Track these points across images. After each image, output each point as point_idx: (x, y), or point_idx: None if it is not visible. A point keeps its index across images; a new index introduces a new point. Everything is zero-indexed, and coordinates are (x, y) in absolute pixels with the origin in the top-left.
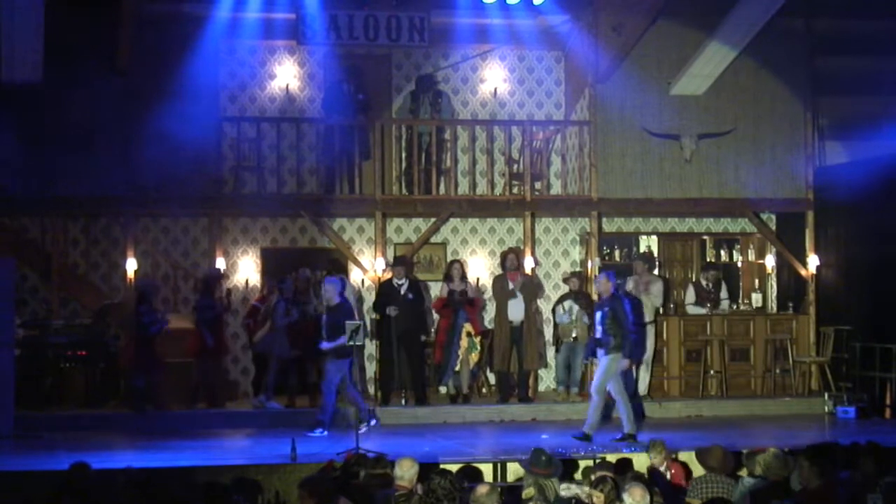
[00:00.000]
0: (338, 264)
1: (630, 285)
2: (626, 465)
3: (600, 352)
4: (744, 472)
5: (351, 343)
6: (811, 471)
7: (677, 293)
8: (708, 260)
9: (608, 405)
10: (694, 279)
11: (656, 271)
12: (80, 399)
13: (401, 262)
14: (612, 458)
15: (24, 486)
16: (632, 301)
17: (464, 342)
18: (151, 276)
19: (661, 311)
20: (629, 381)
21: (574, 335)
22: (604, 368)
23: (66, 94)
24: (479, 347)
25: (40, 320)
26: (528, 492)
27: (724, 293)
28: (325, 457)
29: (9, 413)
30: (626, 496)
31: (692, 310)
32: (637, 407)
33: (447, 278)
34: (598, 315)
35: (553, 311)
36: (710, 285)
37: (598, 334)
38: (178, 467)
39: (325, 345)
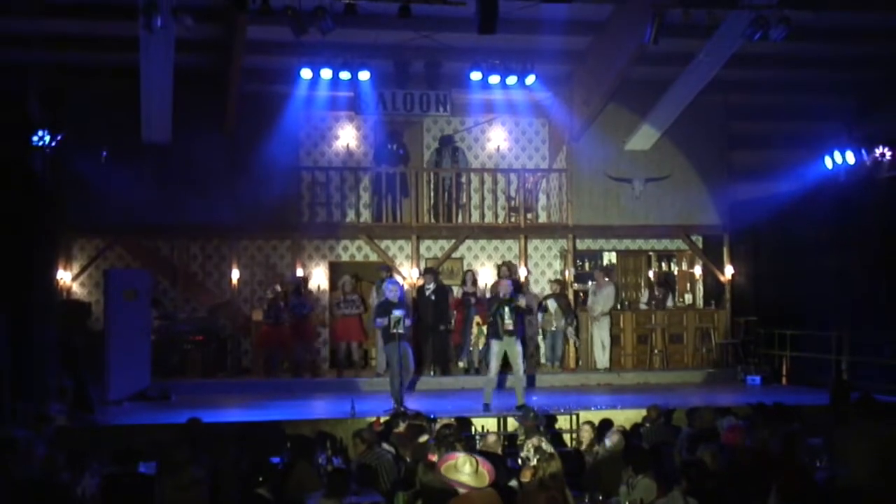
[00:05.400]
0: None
1: (591, 288)
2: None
3: None
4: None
5: (394, 330)
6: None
7: (632, 294)
8: (654, 272)
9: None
10: (649, 286)
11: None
12: (198, 371)
13: (427, 272)
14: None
15: (156, 434)
16: None
17: (475, 330)
18: (250, 282)
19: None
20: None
21: (554, 326)
22: None
23: (187, 150)
24: (486, 333)
25: (169, 314)
26: (522, 438)
27: (670, 301)
28: (376, 414)
29: (146, 381)
30: (607, 440)
31: (643, 307)
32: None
33: (463, 283)
34: None
35: (539, 304)
36: (659, 293)
37: None
38: (271, 421)
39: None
